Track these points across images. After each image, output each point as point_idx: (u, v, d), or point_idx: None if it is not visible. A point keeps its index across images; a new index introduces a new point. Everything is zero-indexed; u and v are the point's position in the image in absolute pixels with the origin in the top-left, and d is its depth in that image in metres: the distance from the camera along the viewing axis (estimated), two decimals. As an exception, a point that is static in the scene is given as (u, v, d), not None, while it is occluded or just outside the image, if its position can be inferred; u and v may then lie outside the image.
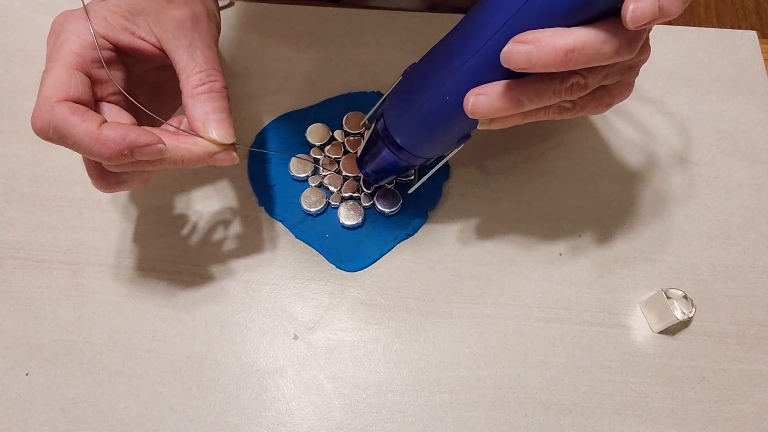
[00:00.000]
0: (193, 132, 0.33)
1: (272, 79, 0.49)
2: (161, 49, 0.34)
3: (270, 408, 0.38)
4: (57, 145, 0.46)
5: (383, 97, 0.39)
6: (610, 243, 0.43)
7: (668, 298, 0.39)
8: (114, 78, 0.33)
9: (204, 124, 0.33)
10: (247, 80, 0.49)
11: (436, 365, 0.39)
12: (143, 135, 0.31)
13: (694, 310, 0.40)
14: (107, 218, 0.43)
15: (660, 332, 0.41)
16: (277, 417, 0.38)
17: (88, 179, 0.44)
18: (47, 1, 0.52)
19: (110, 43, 0.33)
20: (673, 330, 0.41)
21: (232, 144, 0.34)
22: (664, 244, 0.43)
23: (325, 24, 0.52)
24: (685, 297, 0.40)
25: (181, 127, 0.34)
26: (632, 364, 0.40)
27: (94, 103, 0.33)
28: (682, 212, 0.45)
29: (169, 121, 0.34)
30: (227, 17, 0.51)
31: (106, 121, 0.31)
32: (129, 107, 0.34)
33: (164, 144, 0.31)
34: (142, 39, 0.34)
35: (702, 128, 0.48)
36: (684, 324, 0.41)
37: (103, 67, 0.33)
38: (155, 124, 0.36)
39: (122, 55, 0.34)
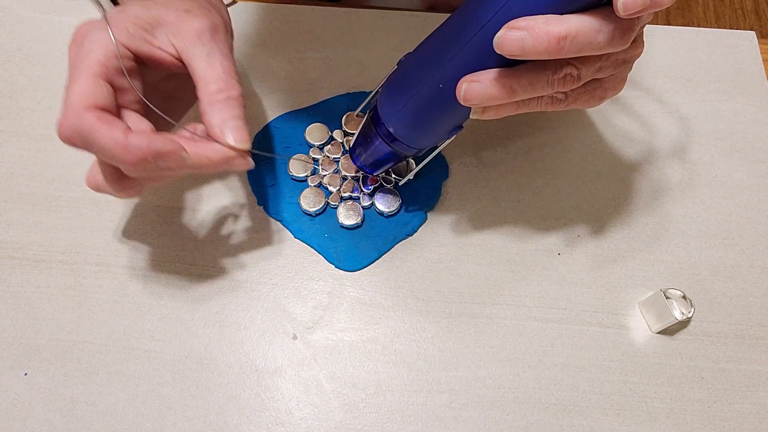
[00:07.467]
0: (210, 138, 0.34)
1: (271, 79, 0.49)
2: (179, 59, 0.35)
3: (269, 408, 0.38)
4: (56, 145, 0.46)
5: (377, 87, 0.39)
6: (608, 243, 0.43)
7: (667, 298, 0.39)
8: (134, 87, 0.34)
9: (222, 130, 0.34)
10: (247, 79, 0.49)
11: (435, 365, 0.39)
12: (168, 143, 0.32)
13: (692, 310, 0.40)
14: (106, 218, 0.43)
15: (659, 332, 0.41)
16: (276, 417, 0.38)
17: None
18: (45, 1, 0.52)
19: (131, 52, 0.34)
20: (671, 330, 0.41)
21: (248, 150, 0.35)
22: (662, 244, 0.44)
23: (324, 24, 0.52)
24: (684, 297, 0.40)
25: (197, 134, 0.35)
26: (631, 364, 0.40)
27: (117, 111, 0.33)
28: (681, 212, 0.45)
29: (185, 127, 0.35)
30: (226, 17, 0.51)
31: (130, 128, 0.32)
32: (146, 114, 0.35)
33: (186, 152, 0.32)
34: (161, 49, 0.35)
35: (701, 128, 0.48)
36: (683, 324, 0.41)
37: (124, 76, 0.33)
38: (170, 129, 0.37)
39: (140, 65, 0.35)
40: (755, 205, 0.45)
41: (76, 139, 0.31)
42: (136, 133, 0.32)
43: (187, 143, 0.33)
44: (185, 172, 0.34)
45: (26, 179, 0.45)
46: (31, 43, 0.50)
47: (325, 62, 0.50)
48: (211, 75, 0.34)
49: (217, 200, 0.44)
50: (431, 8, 0.58)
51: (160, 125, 0.36)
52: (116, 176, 0.34)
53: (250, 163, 0.35)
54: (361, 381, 0.39)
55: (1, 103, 0.48)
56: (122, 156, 0.31)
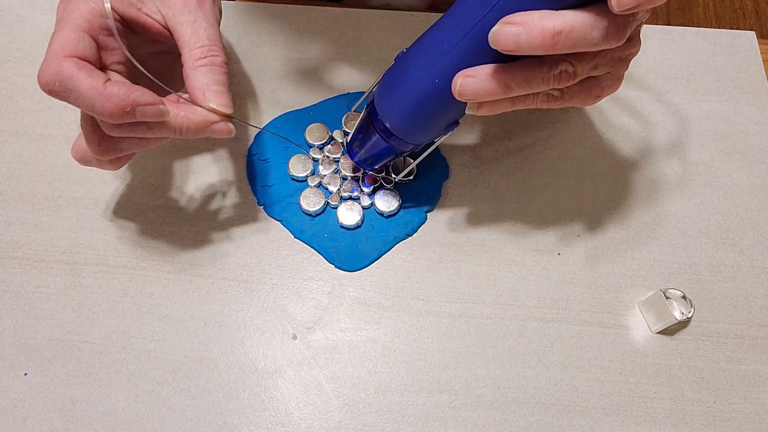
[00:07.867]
0: (192, 102, 0.35)
1: (272, 79, 0.49)
2: (166, 27, 0.36)
3: (269, 408, 0.38)
4: (56, 145, 0.46)
5: (375, 82, 0.40)
6: (608, 243, 0.43)
7: (667, 298, 0.39)
8: (120, 44, 0.34)
9: (204, 94, 0.34)
10: (247, 79, 0.49)
11: (435, 365, 0.39)
12: (146, 95, 0.32)
13: (692, 310, 0.40)
14: (106, 218, 0.43)
15: (659, 332, 0.41)
16: (276, 417, 0.38)
17: (87, 179, 0.44)
18: (45, 1, 0.52)
19: (118, 14, 0.35)
20: (671, 330, 0.41)
21: (230, 117, 0.35)
22: (662, 244, 0.44)
23: (325, 24, 0.52)
24: (684, 297, 0.40)
25: (182, 98, 0.35)
26: (631, 364, 0.40)
27: (100, 66, 0.34)
28: (681, 212, 0.45)
29: (169, 95, 0.35)
30: (227, 17, 0.51)
31: (110, 79, 0.32)
32: (131, 78, 0.35)
33: (165, 106, 0.33)
34: (149, 16, 0.36)
35: (701, 128, 0.48)
36: (683, 324, 0.41)
37: (110, 35, 0.34)
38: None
39: (128, 31, 0.36)
40: (755, 205, 0.45)
41: (56, 86, 0.31)
42: (115, 82, 0.32)
43: (169, 104, 0.34)
44: (168, 136, 0.34)
45: (26, 179, 0.45)
46: (31, 43, 0.50)
47: (325, 62, 0.50)
48: (195, 41, 0.35)
49: (217, 200, 0.44)
50: (432, 8, 0.58)
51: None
52: (98, 137, 0.34)
53: (232, 130, 0.36)
54: (361, 381, 0.39)
55: (1, 103, 0.48)
56: (100, 104, 0.31)
